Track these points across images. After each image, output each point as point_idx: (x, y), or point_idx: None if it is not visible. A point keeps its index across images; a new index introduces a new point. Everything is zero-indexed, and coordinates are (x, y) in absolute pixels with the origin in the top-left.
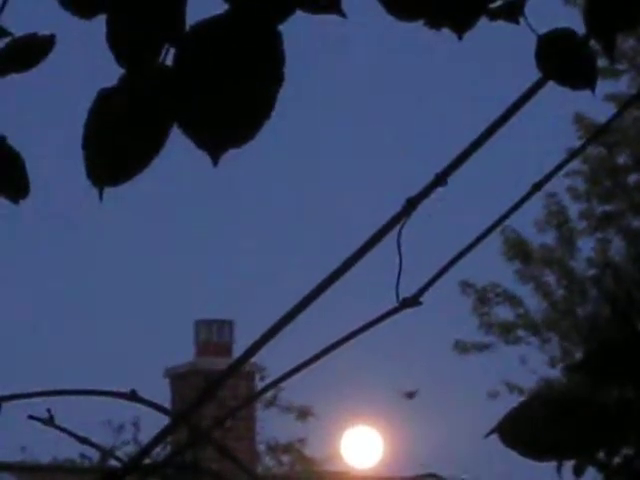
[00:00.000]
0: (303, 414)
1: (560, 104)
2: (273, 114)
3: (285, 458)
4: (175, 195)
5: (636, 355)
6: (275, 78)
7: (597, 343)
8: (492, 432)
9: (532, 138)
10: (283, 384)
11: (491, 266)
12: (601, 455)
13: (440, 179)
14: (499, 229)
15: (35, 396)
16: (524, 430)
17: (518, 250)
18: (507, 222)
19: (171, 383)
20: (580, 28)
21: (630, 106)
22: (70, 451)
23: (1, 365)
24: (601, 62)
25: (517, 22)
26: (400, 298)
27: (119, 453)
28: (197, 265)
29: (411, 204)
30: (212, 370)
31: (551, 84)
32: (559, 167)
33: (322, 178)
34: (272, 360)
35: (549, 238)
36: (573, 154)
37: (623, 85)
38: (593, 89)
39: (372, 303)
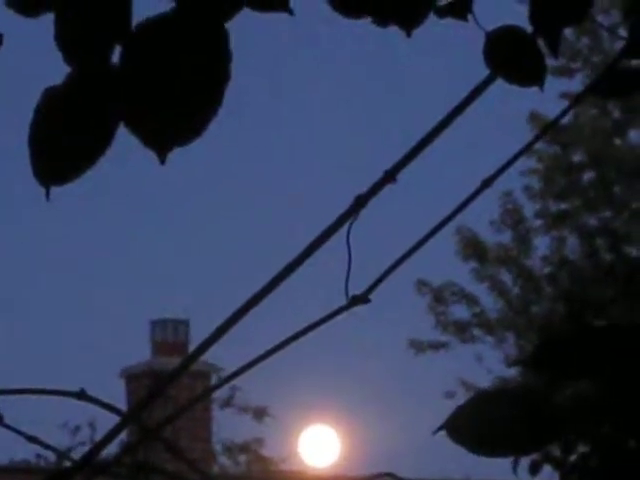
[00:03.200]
0: (259, 414)
1: (515, 102)
2: (220, 111)
3: (242, 458)
4: (128, 194)
5: (584, 349)
6: (222, 75)
7: (547, 337)
8: (440, 429)
9: (486, 137)
10: (239, 384)
11: (447, 265)
12: (558, 453)
13: (389, 176)
14: (455, 228)
15: None
16: (472, 426)
17: (474, 249)
18: (463, 221)
19: (126, 383)
20: (529, 25)
21: (579, 102)
22: (26, 452)
23: None
24: (556, 61)
25: (465, 19)
26: (350, 295)
27: (75, 454)
28: (152, 265)
29: (360, 202)
30: (168, 370)
31: (503, 82)
32: (508, 163)
33: (272, 177)
34: (229, 361)
35: (505, 237)
36: (522, 150)
37: (578, 83)
38: (542, 86)
39: (322, 301)
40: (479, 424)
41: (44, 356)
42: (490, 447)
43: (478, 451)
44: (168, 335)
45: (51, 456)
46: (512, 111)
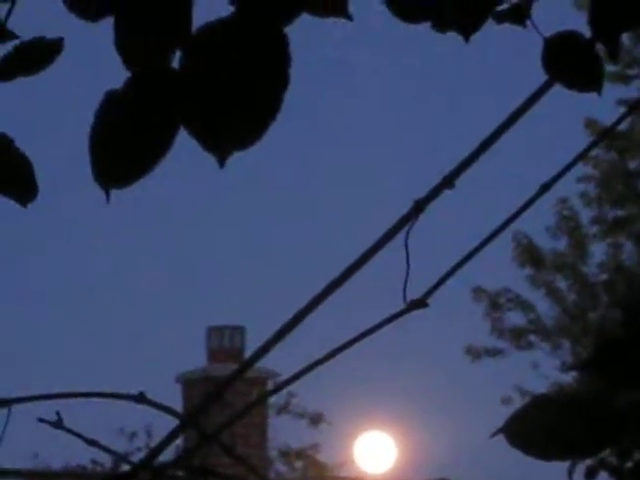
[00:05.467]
0: (315, 420)
1: (572, 109)
2: (279, 116)
3: (298, 464)
4: (187, 201)
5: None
6: (281, 80)
7: (605, 342)
8: (498, 432)
9: (544, 143)
10: (295, 391)
11: (503, 272)
12: (613, 459)
13: (448, 181)
14: (511, 235)
15: (44, 399)
16: (530, 430)
17: (530, 256)
18: (519, 228)
19: (183, 389)
20: (587, 31)
21: (636, 109)
22: (82, 457)
23: (12, 369)
24: (613, 67)
25: (524, 25)
26: (408, 300)
27: (132, 459)
28: (209, 271)
29: (419, 206)
30: (224, 376)
31: (561, 88)
32: (566, 169)
33: (330, 180)
34: (285, 367)
35: (561, 244)
36: (580, 155)
37: (635, 90)
38: (599, 91)
39: (380, 306)
40: (536, 428)
41: (100, 361)
42: (547, 451)
43: (535, 455)
44: (224, 341)
45: (107, 462)
46: (569, 117)
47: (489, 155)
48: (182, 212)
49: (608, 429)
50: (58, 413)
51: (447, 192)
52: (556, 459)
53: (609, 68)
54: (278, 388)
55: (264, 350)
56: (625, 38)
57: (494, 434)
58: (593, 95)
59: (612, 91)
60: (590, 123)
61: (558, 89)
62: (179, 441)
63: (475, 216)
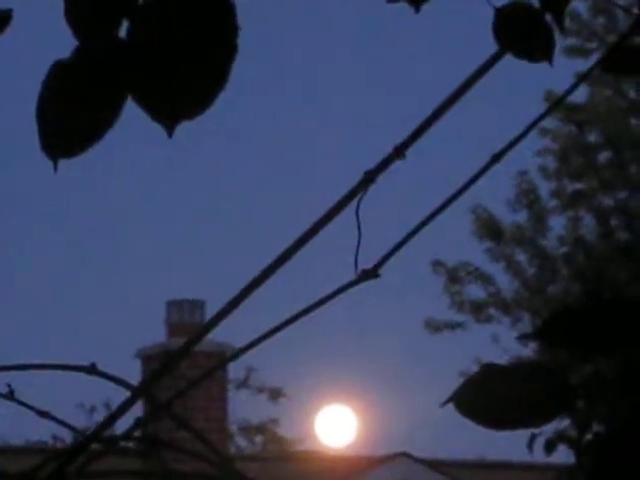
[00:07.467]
0: (275, 395)
1: (532, 82)
2: (227, 85)
3: (258, 439)
4: (145, 174)
5: (595, 320)
6: (229, 49)
7: (556, 312)
8: (448, 401)
9: (504, 117)
10: (255, 365)
11: (462, 245)
12: (573, 432)
13: (399, 152)
14: (470, 208)
15: None
16: (479, 398)
17: (489, 229)
18: (478, 201)
19: (142, 364)
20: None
21: (587, 77)
22: (42, 433)
23: None
24: (573, 41)
25: None
26: (359, 270)
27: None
28: (169, 245)
29: (368, 177)
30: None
31: (521, 63)
32: (518, 139)
33: (282, 155)
34: (243, 341)
35: (520, 217)
36: (531, 125)
37: (593, 63)
38: (550, 61)
39: (332, 276)
40: (486, 397)
41: (60, 336)
42: (497, 420)
43: (484, 424)
44: (184, 316)
45: (67, 437)
46: (529, 91)
47: (458, 126)
48: (141, 186)
49: (558, 398)
50: (9, 385)
51: (401, 162)
52: (505, 428)
53: (568, 41)
54: (232, 357)
55: (218, 319)
56: (583, 11)
57: (444, 403)
58: (554, 69)
59: (571, 65)
60: (550, 96)
61: (519, 64)
62: (139, 414)
63: (431, 187)
